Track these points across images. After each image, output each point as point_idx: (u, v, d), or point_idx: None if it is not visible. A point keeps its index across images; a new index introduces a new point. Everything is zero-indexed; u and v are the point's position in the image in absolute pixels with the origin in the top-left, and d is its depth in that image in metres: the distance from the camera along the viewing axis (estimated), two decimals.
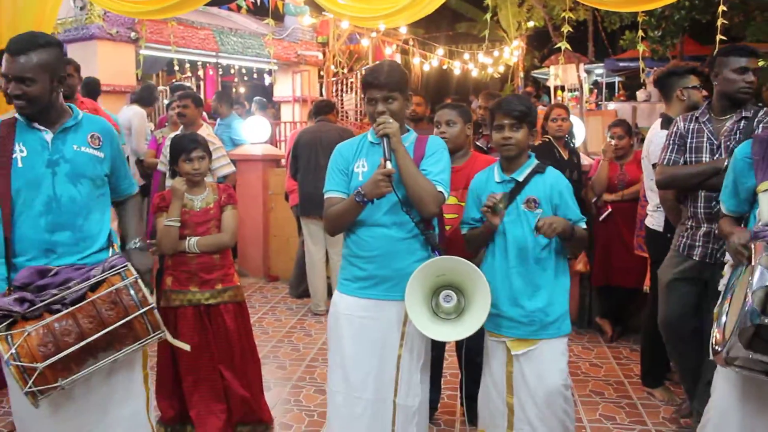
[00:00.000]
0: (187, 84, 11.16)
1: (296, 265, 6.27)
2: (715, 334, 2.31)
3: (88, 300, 2.24)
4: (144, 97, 7.09)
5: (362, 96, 2.77)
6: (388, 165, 2.53)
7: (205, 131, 4.99)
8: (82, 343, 2.18)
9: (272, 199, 7.00)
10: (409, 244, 2.66)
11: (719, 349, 2.21)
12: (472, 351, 3.42)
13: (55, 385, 2.18)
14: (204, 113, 6.25)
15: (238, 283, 3.51)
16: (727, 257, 2.54)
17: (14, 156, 2.37)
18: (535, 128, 2.84)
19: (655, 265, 3.92)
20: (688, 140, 3.35)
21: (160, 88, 10.38)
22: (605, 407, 3.92)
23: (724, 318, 2.31)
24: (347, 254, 2.76)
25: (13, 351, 2.13)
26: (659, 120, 3.91)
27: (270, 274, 7.05)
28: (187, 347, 2.56)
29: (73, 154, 2.44)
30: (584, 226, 2.78)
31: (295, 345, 5.02)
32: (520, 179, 2.76)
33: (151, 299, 2.30)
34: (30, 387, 2.13)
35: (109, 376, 2.45)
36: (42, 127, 2.43)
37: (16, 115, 2.44)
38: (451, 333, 2.63)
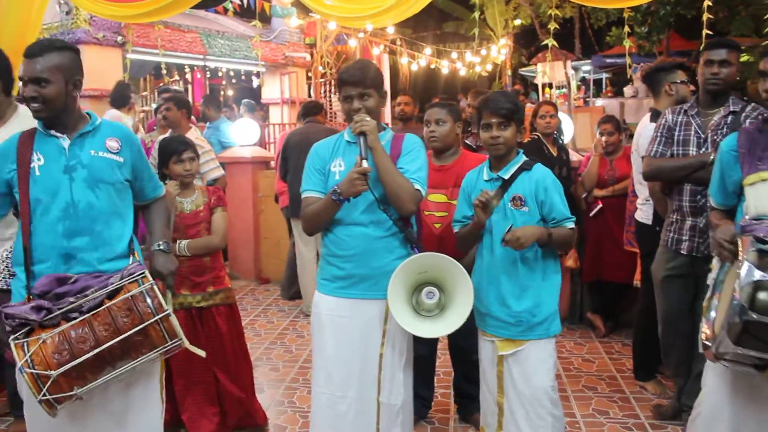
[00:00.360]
0: (175, 87, 11.11)
1: (287, 266, 6.26)
2: (705, 329, 2.31)
3: (105, 307, 2.22)
4: (116, 98, 6.97)
5: (338, 95, 2.75)
6: (364, 163, 2.53)
7: (194, 134, 4.96)
8: (97, 351, 2.15)
9: (262, 201, 6.99)
10: (387, 242, 2.66)
11: (709, 345, 2.21)
12: (466, 349, 3.43)
13: (70, 393, 2.15)
14: (193, 117, 6.23)
15: (229, 285, 3.51)
16: (715, 252, 2.54)
17: (32, 165, 2.37)
18: (524, 126, 2.81)
19: (645, 258, 3.95)
20: (676, 133, 3.36)
21: (144, 93, 10.31)
22: (598, 402, 3.93)
23: (713, 313, 2.30)
24: (325, 254, 2.76)
25: (28, 358, 2.11)
26: (648, 114, 3.94)
27: (261, 276, 7.03)
28: (202, 353, 2.51)
29: (91, 159, 2.42)
30: (570, 225, 2.72)
31: (287, 346, 5.01)
32: (507, 177, 2.74)
33: (167, 306, 2.27)
34: (44, 395, 2.11)
35: (127, 387, 2.42)
36: (59, 134, 2.42)
37: (36, 125, 2.45)
38: (435, 329, 2.62)
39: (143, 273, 2.32)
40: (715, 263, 2.51)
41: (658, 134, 3.42)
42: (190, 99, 12.55)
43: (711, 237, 2.54)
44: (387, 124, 3.26)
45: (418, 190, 2.62)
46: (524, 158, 2.79)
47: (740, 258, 2.10)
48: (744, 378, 2.31)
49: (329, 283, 2.74)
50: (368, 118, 2.59)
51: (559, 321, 2.78)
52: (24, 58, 2.36)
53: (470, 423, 3.62)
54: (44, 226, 2.36)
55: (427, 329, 2.60)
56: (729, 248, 2.31)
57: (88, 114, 2.52)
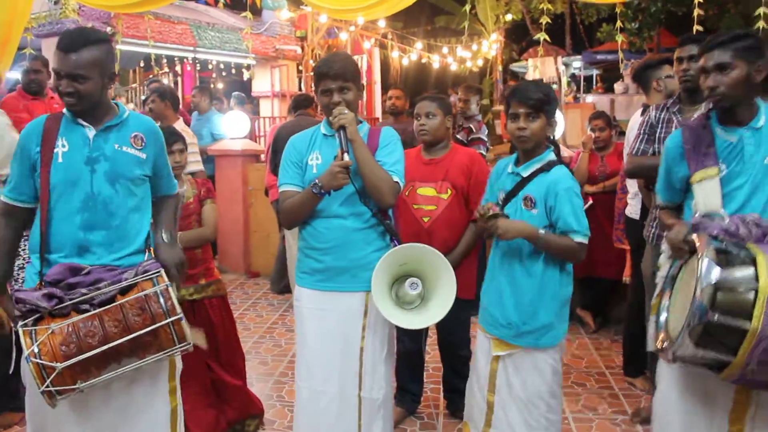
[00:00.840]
0: (165, 81, 11.03)
1: (277, 260, 6.24)
2: (656, 330, 2.28)
3: (117, 303, 2.18)
4: None
5: (315, 88, 2.71)
6: (346, 156, 2.52)
7: (179, 126, 4.97)
8: (105, 347, 2.12)
9: (252, 195, 6.96)
10: (365, 234, 2.65)
11: (665, 347, 2.18)
12: (455, 345, 3.42)
13: (73, 387, 2.12)
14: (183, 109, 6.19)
15: (219, 277, 3.50)
16: (663, 248, 2.47)
17: (56, 151, 2.33)
18: (555, 118, 2.64)
19: (634, 254, 3.95)
20: (658, 130, 3.38)
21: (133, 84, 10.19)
22: (587, 398, 3.94)
23: (664, 314, 2.27)
24: (303, 246, 2.75)
25: (35, 348, 2.08)
26: (640, 109, 3.96)
27: (251, 270, 7.01)
28: (203, 344, 2.48)
29: (114, 152, 2.38)
30: (578, 239, 2.54)
31: (276, 340, 5.00)
32: (525, 175, 2.63)
33: (179, 309, 2.22)
34: (47, 386, 2.08)
35: (130, 385, 2.38)
36: (86, 124, 2.38)
37: (64, 110, 2.41)
38: (418, 321, 2.61)
39: (159, 272, 2.27)
40: (662, 260, 2.46)
41: (641, 131, 3.45)
42: (179, 91, 12.49)
43: (666, 236, 2.49)
44: (378, 118, 3.24)
45: (396, 182, 2.63)
46: (551, 157, 2.64)
47: (698, 256, 2.05)
48: (697, 378, 2.26)
49: (308, 276, 2.73)
50: (346, 111, 2.58)
51: (555, 334, 2.64)
52: (58, 51, 2.30)
53: (459, 418, 3.62)
54: (62, 215, 2.33)
55: (410, 320, 2.59)
56: (683, 248, 2.25)
57: (116, 105, 2.47)
